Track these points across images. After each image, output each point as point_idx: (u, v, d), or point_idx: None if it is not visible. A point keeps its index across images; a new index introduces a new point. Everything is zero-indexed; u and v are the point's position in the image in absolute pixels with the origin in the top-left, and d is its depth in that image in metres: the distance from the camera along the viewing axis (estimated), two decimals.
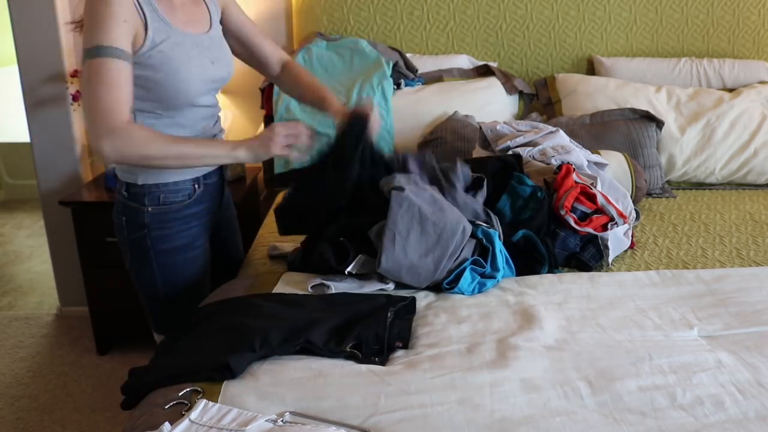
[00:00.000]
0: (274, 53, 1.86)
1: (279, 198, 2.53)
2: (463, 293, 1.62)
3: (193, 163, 1.59)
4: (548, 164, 2.08)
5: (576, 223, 1.85)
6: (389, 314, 1.44)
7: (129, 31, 1.46)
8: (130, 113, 1.46)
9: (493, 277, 1.66)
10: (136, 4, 1.48)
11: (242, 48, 1.81)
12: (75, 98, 2.79)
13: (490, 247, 1.67)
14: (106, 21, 1.42)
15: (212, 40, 1.65)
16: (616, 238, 1.88)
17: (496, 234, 1.71)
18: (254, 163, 3.03)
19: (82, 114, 2.92)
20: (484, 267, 1.66)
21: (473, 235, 1.70)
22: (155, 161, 1.50)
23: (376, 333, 1.37)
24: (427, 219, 1.60)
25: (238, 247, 2.01)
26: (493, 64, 2.89)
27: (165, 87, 1.54)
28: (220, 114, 1.79)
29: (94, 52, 1.42)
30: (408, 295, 1.57)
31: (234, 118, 3.02)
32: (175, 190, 1.65)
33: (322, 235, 1.70)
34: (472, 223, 1.71)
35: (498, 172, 1.96)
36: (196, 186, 1.69)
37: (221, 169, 1.78)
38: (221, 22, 1.73)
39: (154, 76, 1.52)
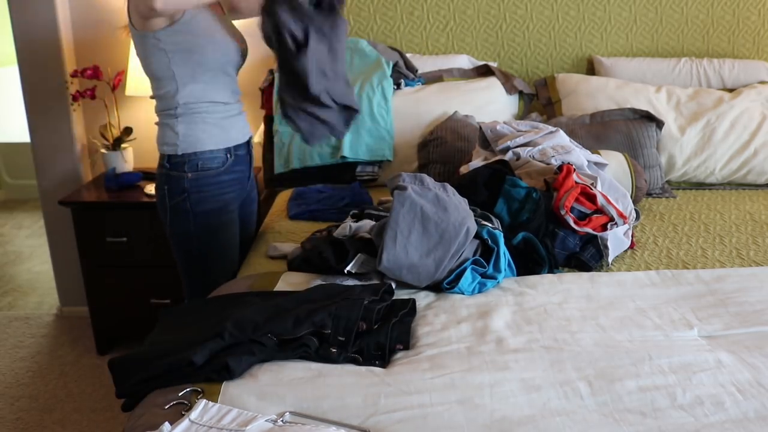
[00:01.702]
0: None
1: (280, 197, 2.53)
2: (463, 293, 1.62)
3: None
4: (548, 164, 2.09)
5: (575, 222, 1.85)
6: (373, 304, 1.46)
7: None
8: None
9: (494, 278, 1.66)
10: None
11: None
12: (75, 98, 2.79)
13: (495, 248, 1.67)
14: None
15: (230, 21, 1.93)
16: (616, 238, 1.88)
17: (501, 235, 1.71)
18: None
19: (82, 114, 2.92)
20: (485, 267, 1.66)
21: (478, 236, 1.70)
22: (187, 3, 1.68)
23: (377, 340, 1.37)
24: (430, 219, 1.60)
25: (250, 231, 2.16)
26: (493, 64, 2.89)
27: (204, 50, 1.78)
28: (240, 93, 1.98)
29: None
30: (408, 297, 1.57)
31: None
32: (211, 157, 1.87)
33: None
34: (476, 223, 1.72)
35: (489, 180, 1.97)
36: (228, 155, 1.91)
37: (248, 144, 1.99)
38: None
39: (194, 39, 1.76)
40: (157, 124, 1.90)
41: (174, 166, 1.87)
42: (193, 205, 1.88)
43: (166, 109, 1.86)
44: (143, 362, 1.31)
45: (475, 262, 1.65)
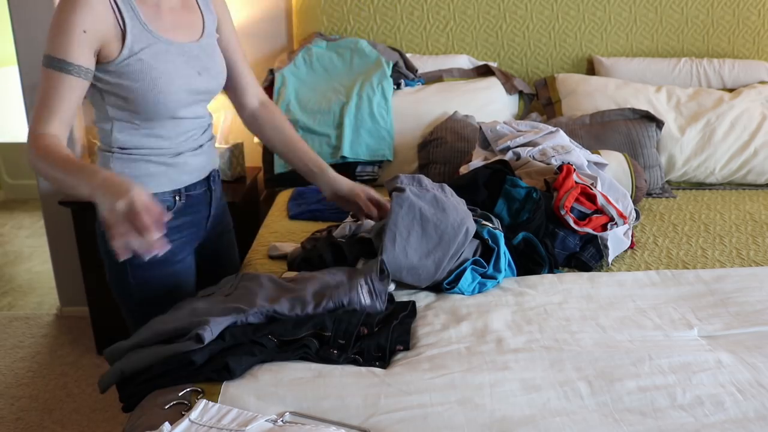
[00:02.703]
0: (254, 85, 1.76)
1: (280, 197, 2.53)
2: (463, 293, 1.62)
3: (67, 190, 1.44)
4: (548, 164, 2.09)
5: (575, 222, 1.85)
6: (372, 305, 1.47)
7: (90, 42, 1.39)
8: (51, 127, 1.39)
9: (494, 278, 1.66)
10: (114, 9, 1.41)
11: None
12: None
13: (496, 248, 1.67)
14: (62, 31, 1.37)
15: (202, 49, 1.56)
16: (616, 238, 1.88)
17: (502, 235, 1.71)
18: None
19: (81, 114, 2.92)
20: (485, 267, 1.66)
21: (478, 236, 1.70)
22: (46, 179, 1.41)
23: (378, 342, 1.37)
24: (429, 220, 1.59)
25: (233, 262, 1.91)
26: (493, 64, 2.89)
27: (143, 97, 1.46)
28: (210, 123, 1.69)
29: (44, 61, 1.39)
30: (408, 298, 1.57)
31: (234, 118, 3.01)
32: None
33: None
34: (477, 223, 1.72)
35: (489, 180, 1.97)
36: (177, 198, 1.60)
37: (208, 180, 1.69)
38: None
39: (131, 85, 1.45)
40: (98, 149, 1.59)
41: None
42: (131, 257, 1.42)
43: (103, 142, 1.55)
44: (144, 367, 1.31)
45: (475, 263, 1.65)
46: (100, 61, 1.43)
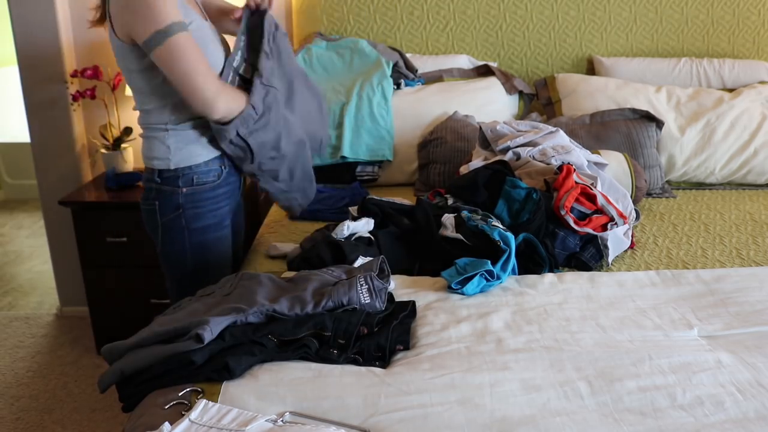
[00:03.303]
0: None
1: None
2: (464, 293, 1.61)
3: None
4: (548, 164, 2.09)
5: (575, 223, 1.85)
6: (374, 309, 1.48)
7: (176, 4, 1.57)
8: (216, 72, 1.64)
9: (499, 278, 1.66)
10: None
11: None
12: (75, 98, 2.79)
13: (508, 250, 1.67)
14: (162, 3, 1.52)
15: (212, 27, 1.78)
16: (616, 238, 1.88)
17: (513, 237, 1.70)
18: None
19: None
20: (493, 278, 1.64)
21: (488, 237, 1.70)
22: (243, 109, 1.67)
23: (378, 342, 1.37)
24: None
25: (241, 238, 2.07)
26: (493, 64, 2.89)
27: None
28: None
29: (165, 33, 1.52)
30: (408, 299, 1.57)
31: None
32: (207, 170, 1.76)
33: None
34: (488, 223, 1.75)
35: (489, 181, 1.97)
36: (223, 166, 1.80)
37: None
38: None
39: None
40: (142, 136, 1.77)
41: (166, 181, 1.74)
42: (189, 222, 1.76)
43: (155, 122, 1.72)
44: (144, 367, 1.31)
45: (487, 271, 1.64)
46: None
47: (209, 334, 1.30)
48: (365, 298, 1.45)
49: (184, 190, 1.74)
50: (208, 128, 1.73)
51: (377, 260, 1.57)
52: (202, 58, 1.60)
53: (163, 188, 1.75)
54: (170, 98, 1.68)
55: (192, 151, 1.73)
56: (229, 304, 1.44)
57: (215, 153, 1.77)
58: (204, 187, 1.77)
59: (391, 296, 1.56)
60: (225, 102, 1.62)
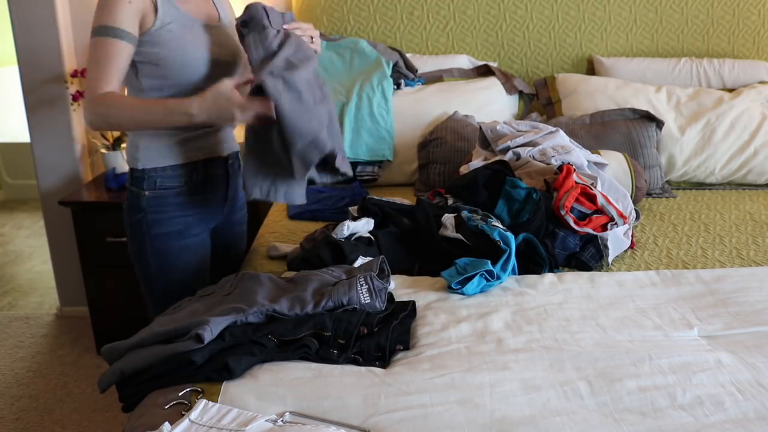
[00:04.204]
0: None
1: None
2: (464, 293, 1.61)
3: (148, 128, 1.66)
4: (548, 164, 2.09)
5: (575, 223, 1.85)
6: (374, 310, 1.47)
7: (134, 12, 1.56)
8: (114, 86, 1.57)
9: (499, 278, 1.66)
10: None
11: None
12: (75, 98, 2.79)
13: (508, 250, 1.67)
14: (111, 3, 1.55)
15: (221, 29, 1.75)
16: (616, 238, 1.88)
17: (513, 237, 1.70)
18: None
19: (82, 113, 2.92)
20: (493, 278, 1.64)
21: (488, 237, 1.70)
22: (119, 126, 1.68)
23: (378, 342, 1.37)
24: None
25: (239, 255, 2.00)
26: (493, 64, 2.89)
27: (172, 63, 1.63)
28: None
29: (95, 31, 1.56)
30: (408, 299, 1.57)
31: None
32: (172, 175, 1.71)
33: None
34: (488, 223, 1.73)
35: (489, 181, 1.97)
36: (194, 174, 1.74)
37: (226, 163, 1.82)
38: None
39: (161, 52, 1.61)
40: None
41: (134, 182, 1.72)
42: (150, 227, 1.71)
43: None
44: (144, 367, 1.31)
45: (487, 271, 1.64)
46: (140, 34, 1.60)
47: (209, 334, 1.30)
48: (365, 298, 1.46)
49: (147, 193, 1.70)
50: (181, 132, 1.70)
51: (377, 260, 1.57)
52: (108, 66, 1.55)
53: (132, 189, 1.73)
54: (144, 95, 1.66)
55: (160, 153, 1.70)
56: (229, 304, 1.44)
57: (186, 158, 1.72)
58: (167, 192, 1.71)
59: (391, 296, 1.56)
60: (91, 112, 1.57)
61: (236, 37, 1.72)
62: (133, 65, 1.63)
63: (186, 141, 1.72)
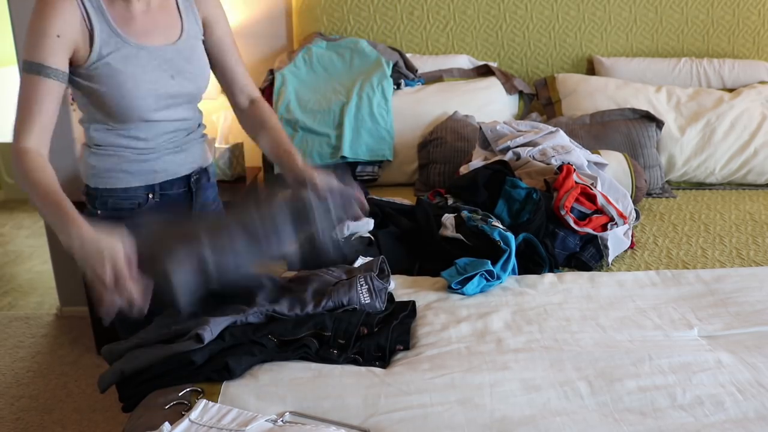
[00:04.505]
0: (246, 84, 1.72)
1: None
2: (464, 293, 1.62)
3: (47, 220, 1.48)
4: (548, 164, 2.09)
5: (575, 223, 1.85)
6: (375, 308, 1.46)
7: (64, 46, 1.41)
8: (36, 136, 1.44)
9: (499, 278, 1.66)
10: (83, 14, 1.42)
11: (214, 67, 1.68)
12: (73, 99, 2.78)
13: (508, 250, 1.67)
14: (36, 36, 1.40)
15: (178, 52, 1.54)
16: (616, 238, 1.88)
17: (513, 237, 1.70)
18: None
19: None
20: (493, 278, 1.64)
21: (488, 237, 1.70)
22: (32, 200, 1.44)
23: (378, 342, 1.37)
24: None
25: None
26: (493, 64, 2.89)
27: (110, 100, 1.47)
28: (200, 123, 1.70)
29: (23, 67, 1.42)
30: (408, 299, 1.57)
31: (233, 118, 3.01)
32: (125, 197, 1.58)
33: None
34: (488, 223, 1.72)
35: (489, 181, 1.97)
36: (151, 195, 1.60)
37: (188, 179, 1.66)
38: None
39: (99, 89, 1.46)
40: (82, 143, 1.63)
41: (88, 199, 1.59)
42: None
43: (85, 136, 1.59)
44: (144, 367, 1.31)
45: (487, 271, 1.64)
46: (72, 64, 1.46)
47: (209, 334, 1.30)
48: (365, 298, 1.46)
49: (99, 212, 1.58)
50: (138, 154, 1.56)
51: (377, 260, 1.57)
52: (32, 112, 1.42)
53: (86, 206, 1.59)
54: (90, 121, 1.55)
55: (112, 176, 1.56)
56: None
57: (142, 180, 1.58)
58: (120, 214, 1.56)
59: (391, 296, 1.56)
60: (13, 164, 1.44)
61: (201, 56, 1.59)
62: (76, 88, 1.50)
63: (142, 164, 1.57)
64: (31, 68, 1.41)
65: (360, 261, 1.66)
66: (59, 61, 1.41)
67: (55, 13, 1.39)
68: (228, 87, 1.71)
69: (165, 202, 1.62)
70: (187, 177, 1.66)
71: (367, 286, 1.47)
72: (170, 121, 1.58)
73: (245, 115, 1.75)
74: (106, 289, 1.26)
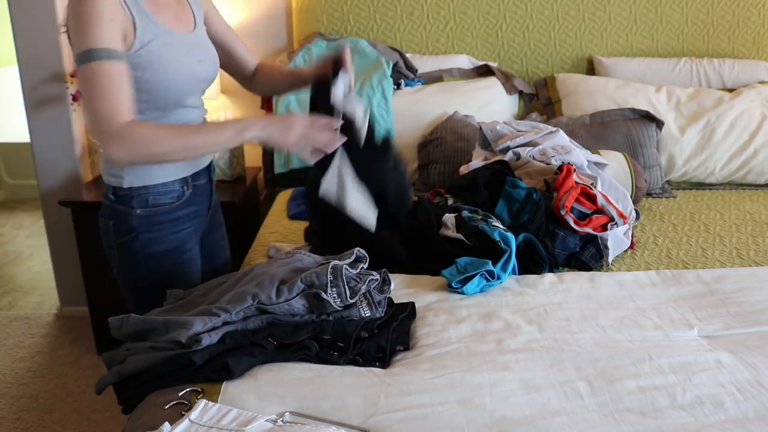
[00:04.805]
0: (248, 54, 1.84)
1: (280, 197, 2.53)
2: (464, 293, 1.62)
3: (203, 153, 1.59)
4: (548, 164, 2.09)
5: (575, 223, 1.85)
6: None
7: (118, 30, 1.41)
8: (130, 113, 1.42)
9: (499, 278, 1.66)
10: (123, 3, 1.43)
11: (220, 52, 1.73)
12: (75, 98, 2.79)
13: (509, 250, 1.67)
14: (93, 22, 1.37)
15: (198, 40, 1.62)
16: (616, 238, 1.88)
17: (513, 238, 1.70)
18: (262, 146, 3.03)
19: (83, 114, 2.92)
20: (493, 278, 1.64)
21: (488, 237, 1.69)
22: (165, 157, 1.47)
23: (378, 344, 1.37)
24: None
25: (225, 255, 1.94)
26: (493, 64, 2.89)
27: (155, 86, 1.50)
28: (206, 112, 1.76)
29: (85, 57, 1.38)
30: (407, 300, 1.57)
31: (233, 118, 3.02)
32: (164, 192, 1.61)
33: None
34: (488, 224, 1.72)
35: (489, 181, 1.97)
36: (185, 187, 1.65)
37: (209, 170, 1.74)
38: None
39: (143, 75, 1.48)
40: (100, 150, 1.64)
41: (120, 200, 1.59)
42: (143, 246, 1.59)
43: None
44: (143, 369, 1.31)
45: (487, 271, 1.64)
46: None
47: (207, 338, 1.30)
48: (365, 312, 1.45)
49: (138, 211, 1.58)
50: None
51: (381, 272, 1.56)
52: (118, 93, 1.40)
53: (117, 207, 1.59)
54: None
55: (147, 172, 1.58)
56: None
57: (176, 174, 1.62)
58: (161, 209, 1.61)
59: (390, 300, 1.55)
60: (122, 147, 1.40)
61: (211, 44, 1.67)
62: None
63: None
64: (97, 55, 1.37)
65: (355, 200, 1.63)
66: (119, 44, 1.41)
67: (102, 2, 1.39)
68: (236, 66, 1.82)
69: (195, 193, 1.68)
70: (208, 168, 1.74)
71: (366, 301, 1.47)
72: (194, 108, 1.65)
73: (256, 77, 1.85)
74: (306, 138, 1.50)
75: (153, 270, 1.63)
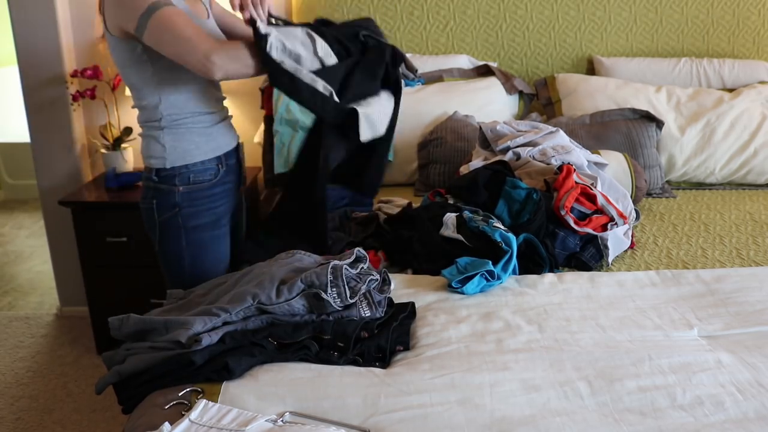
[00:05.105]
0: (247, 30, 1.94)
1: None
2: (464, 293, 1.61)
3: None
4: (548, 164, 2.09)
5: (575, 223, 1.85)
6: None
7: None
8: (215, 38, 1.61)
9: (499, 278, 1.66)
10: None
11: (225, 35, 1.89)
12: (75, 98, 2.79)
13: (510, 251, 1.67)
14: None
15: (212, 26, 1.81)
16: (616, 238, 1.88)
17: (514, 238, 1.70)
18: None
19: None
20: (493, 278, 1.64)
21: (489, 239, 1.69)
22: (251, 67, 1.61)
23: (378, 344, 1.37)
24: None
25: (242, 236, 2.07)
26: (493, 64, 2.89)
27: None
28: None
29: (152, 8, 1.54)
30: (407, 300, 1.57)
31: (234, 118, 3.01)
32: (203, 169, 1.78)
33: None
34: (489, 224, 1.74)
35: (489, 181, 1.97)
36: (220, 165, 1.82)
37: (237, 151, 1.91)
38: None
39: None
40: (141, 135, 1.80)
41: (163, 180, 1.76)
42: (185, 220, 1.79)
43: (150, 120, 1.75)
44: (143, 369, 1.31)
45: (487, 271, 1.64)
46: None
47: (207, 338, 1.30)
48: (365, 312, 1.45)
49: (181, 188, 1.76)
50: (205, 126, 1.78)
51: (381, 271, 1.56)
52: (190, 22, 1.58)
53: (160, 187, 1.77)
54: (162, 94, 1.71)
55: (187, 150, 1.76)
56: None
57: (212, 152, 1.80)
58: (200, 186, 1.79)
59: (390, 300, 1.56)
60: (221, 59, 1.56)
61: (221, 34, 1.82)
62: (149, 64, 1.66)
63: (209, 136, 1.79)
64: (158, 5, 1.54)
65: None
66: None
67: None
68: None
69: (228, 171, 1.86)
70: (237, 147, 1.91)
71: (366, 301, 1.47)
72: (218, 87, 1.85)
73: None
74: None
75: (193, 242, 1.81)
